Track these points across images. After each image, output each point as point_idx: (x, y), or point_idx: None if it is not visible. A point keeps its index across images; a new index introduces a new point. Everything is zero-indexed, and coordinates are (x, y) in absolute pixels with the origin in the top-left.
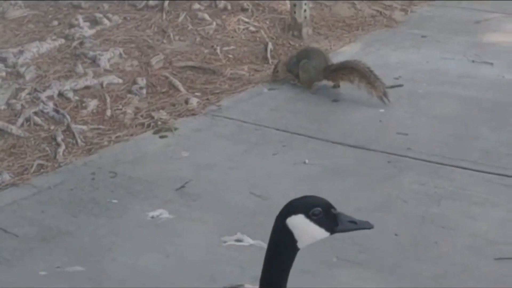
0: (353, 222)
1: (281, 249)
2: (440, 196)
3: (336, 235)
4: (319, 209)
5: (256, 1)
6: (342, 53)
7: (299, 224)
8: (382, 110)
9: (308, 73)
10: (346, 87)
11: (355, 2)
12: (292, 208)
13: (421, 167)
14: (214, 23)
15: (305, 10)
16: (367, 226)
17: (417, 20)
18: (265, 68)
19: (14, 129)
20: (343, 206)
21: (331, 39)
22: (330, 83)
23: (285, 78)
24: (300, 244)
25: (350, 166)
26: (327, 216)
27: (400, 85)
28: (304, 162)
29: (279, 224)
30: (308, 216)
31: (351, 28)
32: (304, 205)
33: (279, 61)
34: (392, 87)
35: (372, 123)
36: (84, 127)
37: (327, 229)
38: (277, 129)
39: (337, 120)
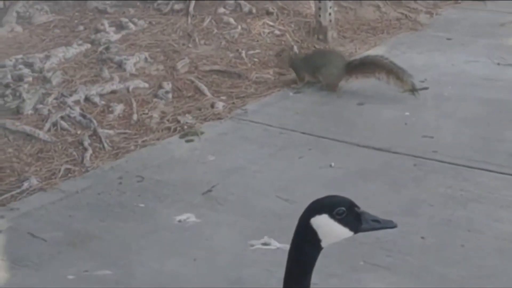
0: (377, 221)
1: (305, 249)
2: (466, 199)
3: (364, 239)
4: (343, 208)
5: (281, 5)
6: None
7: (323, 224)
8: (407, 113)
9: (332, 75)
10: (371, 90)
11: (380, 5)
12: (316, 208)
13: (447, 170)
14: (239, 27)
15: (330, 14)
16: (390, 225)
17: (442, 23)
18: (290, 71)
19: (41, 134)
20: (370, 210)
21: (356, 42)
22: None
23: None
24: (323, 244)
25: (376, 169)
26: (351, 215)
27: (426, 88)
28: (330, 166)
29: (303, 224)
30: (332, 215)
31: (376, 31)
32: (328, 205)
33: (285, 51)
34: (417, 90)
35: (397, 126)
36: (111, 132)
37: (351, 229)
38: (303, 133)
39: (363, 123)
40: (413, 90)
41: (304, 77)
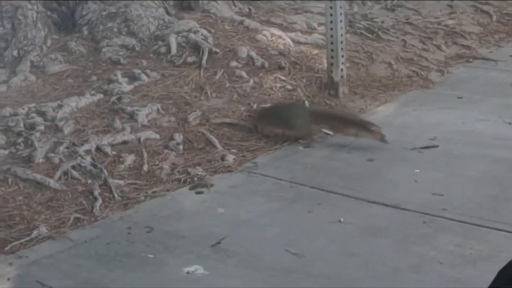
0: None
1: None
2: (475, 258)
3: None
4: None
5: (293, 60)
6: (378, 113)
7: None
8: (417, 170)
9: (303, 127)
10: (381, 147)
11: (392, 62)
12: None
13: (457, 228)
14: (251, 81)
15: (342, 69)
16: None
17: (453, 81)
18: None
19: (52, 183)
20: (378, 267)
21: (367, 98)
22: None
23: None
24: None
25: (385, 226)
26: None
27: (436, 146)
28: (339, 221)
29: None
30: None
31: (387, 88)
32: None
33: (257, 120)
34: (427, 147)
35: (407, 183)
36: (121, 182)
37: None
38: (313, 187)
39: (372, 179)
40: (383, 140)
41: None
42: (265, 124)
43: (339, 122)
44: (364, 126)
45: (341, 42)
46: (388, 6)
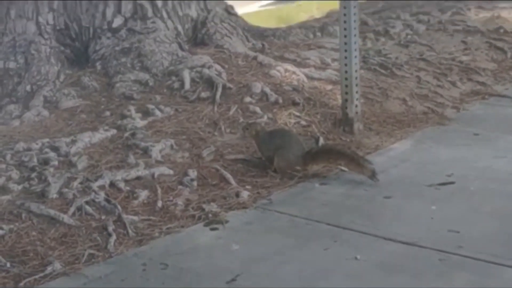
0: None
1: None
2: None
3: None
4: None
5: (308, 95)
6: (393, 150)
7: None
8: (434, 207)
9: (287, 161)
10: (397, 183)
11: (407, 98)
12: None
13: (473, 265)
14: (265, 117)
15: (356, 105)
16: None
17: (469, 118)
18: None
19: (65, 218)
20: None
21: (382, 135)
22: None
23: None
24: None
25: (401, 263)
26: None
27: (452, 182)
28: (356, 258)
29: None
30: None
31: (402, 125)
32: None
33: (252, 126)
34: (443, 184)
35: (423, 220)
36: (135, 218)
37: None
38: (329, 224)
39: (389, 217)
40: (373, 176)
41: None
42: (258, 142)
43: (330, 154)
44: (355, 160)
45: (356, 78)
46: (402, 42)
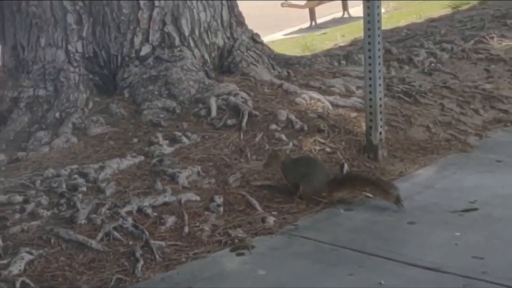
0: None
1: None
2: None
3: None
4: None
5: (333, 123)
6: (417, 176)
7: None
8: (458, 233)
9: (313, 188)
10: (421, 210)
11: (430, 125)
12: None
13: None
14: (291, 143)
15: (380, 133)
16: None
17: (492, 145)
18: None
19: (94, 244)
20: None
21: (406, 162)
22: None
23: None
24: None
25: None
26: None
27: (475, 209)
28: (380, 283)
29: None
30: None
31: (426, 152)
32: None
33: (275, 156)
34: (467, 210)
35: (447, 246)
36: (162, 243)
37: None
38: (354, 250)
39: (413, 242)
40: (398, 201)
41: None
42: (284, 169)
43: (355, 180)
44: (380, 186)
45: (380, 106)
46: (426, 70)
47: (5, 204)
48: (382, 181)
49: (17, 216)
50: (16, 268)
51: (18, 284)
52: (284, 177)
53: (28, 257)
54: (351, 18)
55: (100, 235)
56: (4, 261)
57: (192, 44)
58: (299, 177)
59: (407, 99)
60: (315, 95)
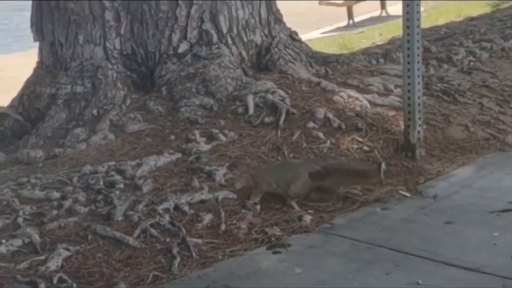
0: None
1: None
2: None
3: None
4: None
5: (370, 121)
6: (455, 176)
7: None
8: (496, 233)
9: (302, 187)
10: (459, 209)
11: (469, 124)
12: None
13: None
14: (328, 142)
15: (419, 132)
16: None
17: None
18: (378, 187)
19: (131, 240)
20: None
21: (444, 161)
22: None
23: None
24: None
25: None
26: None
27: None
28: (417, 283)
29: None
30: None
31: (464, 151)
32: None
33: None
34: (506, 211)
35: (486, 246)
36: (199, 241)
37: None
38: (390, 249)
39: (451, 242)
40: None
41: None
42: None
43: (337, 172)
44: (362, 173)
45: (418, 105)
46: (465, 69)
47: (43, 200)
48: (362, 168)
49: (55, 212)
50: (54, 264)
51: (55, 280)
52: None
53: (65, 253)
54: (389, 17)
55: (137, 232)
56: (42, 257)
57: (230, 41)
58: (284, 184)
59: (445, 98)
60: (353, 93)
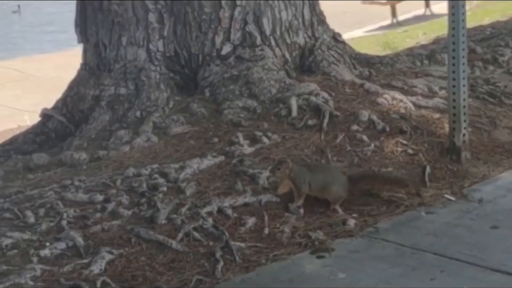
0: None
1: None
2: None
3: None
4: None
5: (415, 124)
6: (501, 179)
7: None
8: None
9: (339, 192)
10: (505, 214)
11: None
12: None
13: None
14: (372, 145)
15: (464, 134)
16: None
17: None
18: (423, 191)
19: (174, 244)
20: None
21: (490, 164)
22: None
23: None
24: None
25: None
26: None
27: None
28: None
29: None
30: None
31: (510, 154)
32: None
33: (284, 163)
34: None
35: None
36: (242, 244)
37: None
38: (435, 254)
39: (497, 247)
40: (419, 190)
41: (305, 192)
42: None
43: (373, 178)
44: (399, 181)
45: (464, 107)
46: (511, 71)
47: (87, 203)
48: (399, 177)
49: (98, 215)
50: (97, 267)
51: (98, 284)
52: (295, 188)
53: (108, 256)
54: (433, 15)
55: (180, 236)
56: (85, 261)
57: (273, 43)
58: (322, 186)
59: (491, 100)
60: (397, 95)
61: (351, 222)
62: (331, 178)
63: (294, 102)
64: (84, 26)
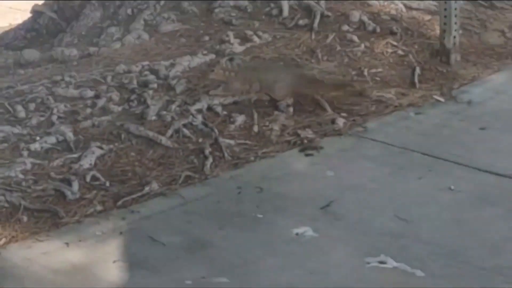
0: None
1: None
2: None
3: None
4: None
5: (406, 25)
6: (490, 81)
7: None
8: None
9: (286, 88)
10: (493, 115)
11: (505, 30)
12: None
13: None
14: (363, 45)
15: (454, 37)
16: None
17: None
18: (412, 92)
19: (163, 140)
20: (488, 235)
21: (479, 66)
22: None
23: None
24: None
25: (496, 195)
26: None
27: None
28: (450, 188)
29: None
30: None
31: (500, 57)
32: None
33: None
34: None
35: None
36: (231, 142)
37: None
38: (423, 154)
39: (485, 148)
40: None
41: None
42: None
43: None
44: (344, 85)
45: (455, 9)
46: None
47: (77, 99)
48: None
49: (88, 110)
50: (87, 162)
51: (88, 178)
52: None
53: (98, 151)
54: None
55: (169, 132)
56: (75, 155)
57: None
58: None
59: (482, 3)
60: None
61: (340, 121)
62: (275, 76)
63: (285, 2)
64: None
